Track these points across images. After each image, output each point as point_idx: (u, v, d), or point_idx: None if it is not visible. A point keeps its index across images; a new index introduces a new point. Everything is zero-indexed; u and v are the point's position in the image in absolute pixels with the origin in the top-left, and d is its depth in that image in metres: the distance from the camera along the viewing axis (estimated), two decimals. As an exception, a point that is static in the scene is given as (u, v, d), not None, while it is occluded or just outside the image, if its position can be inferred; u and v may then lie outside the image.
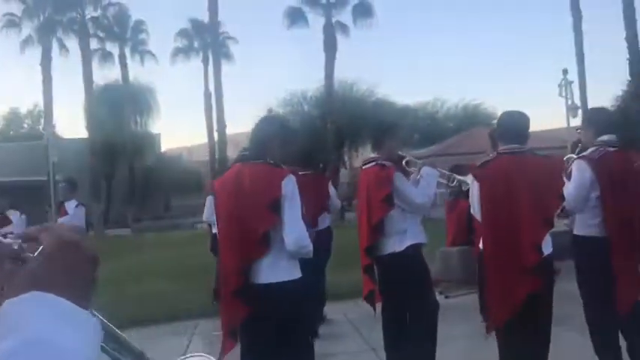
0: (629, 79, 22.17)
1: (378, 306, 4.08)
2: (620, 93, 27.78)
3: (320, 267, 6.34)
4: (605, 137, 3.78)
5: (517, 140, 3.57)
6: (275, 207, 2.86)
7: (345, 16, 30.95)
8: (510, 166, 3.47)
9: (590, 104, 29.84)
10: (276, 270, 2.91)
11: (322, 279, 6.40)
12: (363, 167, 4.15)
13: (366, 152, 36.65)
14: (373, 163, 4.02)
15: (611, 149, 3.74)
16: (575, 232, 3.87)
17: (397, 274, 3.93)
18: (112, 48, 34.32)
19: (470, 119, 42.63)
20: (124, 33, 34.61)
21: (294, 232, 2.86)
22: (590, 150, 3.75)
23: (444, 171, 4.35)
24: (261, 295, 2.90)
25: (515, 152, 3.52)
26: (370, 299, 4.06)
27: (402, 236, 3.93)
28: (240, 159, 3.11)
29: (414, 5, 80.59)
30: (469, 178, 5.96)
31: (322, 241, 6.27)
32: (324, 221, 6.29)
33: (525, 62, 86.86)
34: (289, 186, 2.90)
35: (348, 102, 34.06)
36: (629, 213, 3.74)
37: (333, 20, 30.33)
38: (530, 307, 3.36)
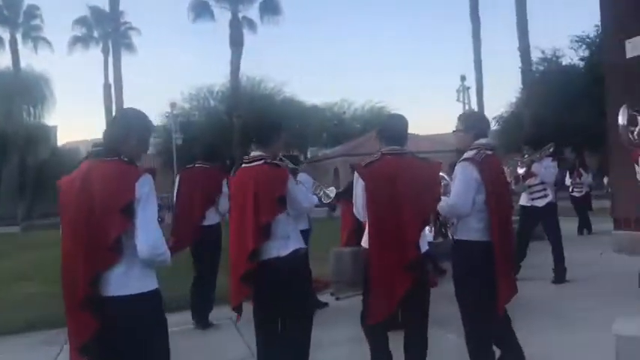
0: (522, 86, 23.42)
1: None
2: (513, 100, 29.54)
3: (213, 266, 6.09)
4: (483, 140, 3.82)
5: (398, 142, 3.71)
6: (128, 210, 2.58)
7: (252, 12, 30.65)
8: (393, 166, 3.60)
9: (487, 110, 31.57)
10: (127, 281, 2.63)
11: (213, 280, 6.13)
12: (246, 165, 3.89)
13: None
14: (262, 162, 3.81)
15: (489, 152, 3.78)
16: (458, 237, 3.80)
17: (282, 278, 3.75)
18: (2, 33, 32.05)
19: (376, 120, 43.56)
20: (16, 17, 32.36)
21: (149, 237, 2.58)
22: (472, 152, 3.73)
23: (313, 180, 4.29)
24: (109, 309, 2.62)
25: (397, 153, 3.67)
26: (240, 308, 3.84)
27: (287, 241, 3.78)
28: (91, 155, 2.78)
29: (322, 6, 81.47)
30: (332, 191, 5.96)
31: (212, 238, 6.07)
32: (213, 217, 6.04)
33: (429, 67, 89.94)
34: (145, 187, 2.62)
35: (255, 99, 33.77)
36: (506, 216, 3.84)
37: (240, 15, 29.92)
38: (407, 304, 3.56)
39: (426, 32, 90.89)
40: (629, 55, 8.73)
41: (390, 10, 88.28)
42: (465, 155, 3.75)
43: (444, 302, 4.06)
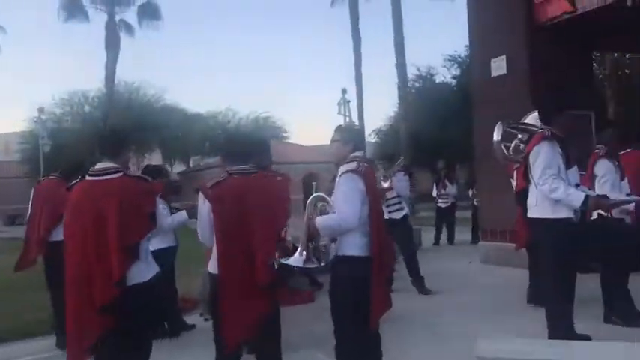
0: (398, 102, 24.30)
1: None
2: (392, 114, 30.69)
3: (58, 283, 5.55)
4: (358, 153, 3.73)
5: (244, 161, 3.67)
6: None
7: (129, 15, 29.28)
8: (240, 186, 3.54)
9: (367, 123, 32.48)
10: None
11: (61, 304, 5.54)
12: (94, 178, 3.46)
13: (155, 158, 35.15)
14: (119, 174, 3.41)
15: (367, 165, 3.72)
16: (341, 252, 3.59)
17: (144, 304, 3.38)
18: None
19: (260, 131, 43.65)
20: None
21: None
22: (353, 164, 3.61)
23: None
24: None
25: (244, 173, 3.62)
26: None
27: (148, 264, 3.49)
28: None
29: (205, 14, 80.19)
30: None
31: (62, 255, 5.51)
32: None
33: (313, 79, 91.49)
34: None
35: (133, 105, 32.33)
36: (383, 229, 3.80)
37: (117, 18, 28.46)
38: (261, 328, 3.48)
39: (311, 45, 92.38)
40: (493, 74, 9.19)
41: (277, 23, 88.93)
42: (347, 167, 3.60)
43: (318, 320, 3.88)
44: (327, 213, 3.56)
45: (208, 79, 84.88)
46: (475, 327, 5.21)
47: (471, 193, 13.13)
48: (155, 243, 4.60)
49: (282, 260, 3.41)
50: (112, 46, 28.22)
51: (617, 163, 5.16)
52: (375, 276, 3.53)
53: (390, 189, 7.15)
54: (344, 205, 3.47)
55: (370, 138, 32.12)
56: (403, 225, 7.38)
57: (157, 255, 3.91)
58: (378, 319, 3.62)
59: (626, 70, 23.09)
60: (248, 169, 3.63)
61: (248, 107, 75.08)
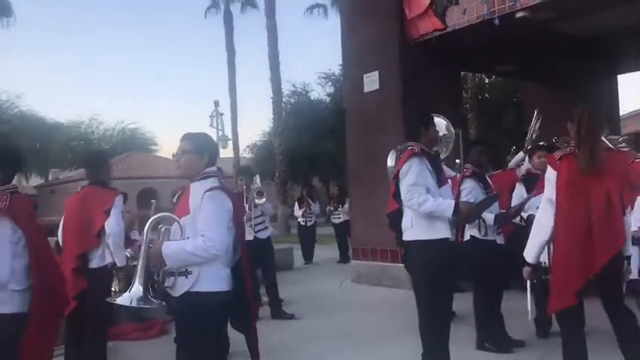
0: (273, 116, 23.93)
1: None
2: (267, 129, 30.30)
3: None
4: (214, 168, 3.17)
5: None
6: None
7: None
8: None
9: (241, 138, 31.81)
10: None
11: None
12: None
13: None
14: None
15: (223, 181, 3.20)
16: (197, 288, 2.92)
17: None
18: None
19: (127, 143, 41.50)
20: None
21: None
22: (213, 180, 3.06)
23: None
24: None
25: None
26: None
27: None
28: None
29: (67, 16, 75.41)
30: None
31: None
32: None
33: (185, 90, 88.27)
34: None
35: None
36: None
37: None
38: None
39: (184, 55, 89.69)
40: (366, 89, 9.02)
41: (149, 31, 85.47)
42: (208, 183, 3.02)
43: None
44: (171, 239, 2.92)
45: (71, 86, 79.25)
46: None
47: (327, 209, 13.14)
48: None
49: (109, 300, 2.71)
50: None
51: (482, 184, 5.00)
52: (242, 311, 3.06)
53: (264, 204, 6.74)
54: (213, 228, 2.86)
55: (245, 153, 31.49)
56: (268, 245, 6.90)
57: None
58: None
59: (487, 95, 24.56)
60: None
61: (115, 118, 71.67)
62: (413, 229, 3.90)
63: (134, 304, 2.78)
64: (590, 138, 3.21)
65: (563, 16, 7.72)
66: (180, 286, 2.90)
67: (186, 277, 2.88)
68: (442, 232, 3.87)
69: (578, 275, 3.14)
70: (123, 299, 2.77)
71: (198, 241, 2.84)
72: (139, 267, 2.84)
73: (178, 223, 2.94)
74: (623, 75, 12.85)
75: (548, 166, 3.37)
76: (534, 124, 6.90)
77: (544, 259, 3.94)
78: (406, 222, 3.96)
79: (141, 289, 2.78)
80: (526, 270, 3.49)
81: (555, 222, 3.23)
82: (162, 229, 2.99)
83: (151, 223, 2.95)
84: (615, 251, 3.13)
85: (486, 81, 24.08)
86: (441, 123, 4.68)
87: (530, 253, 3.42)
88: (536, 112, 6.98)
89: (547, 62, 9.88)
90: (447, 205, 3.82)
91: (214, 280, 2.91)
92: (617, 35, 9.10)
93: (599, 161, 3.17)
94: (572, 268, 3.14)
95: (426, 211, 3.80)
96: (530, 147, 6.42)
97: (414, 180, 3.82)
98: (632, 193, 3.52)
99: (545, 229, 3.31)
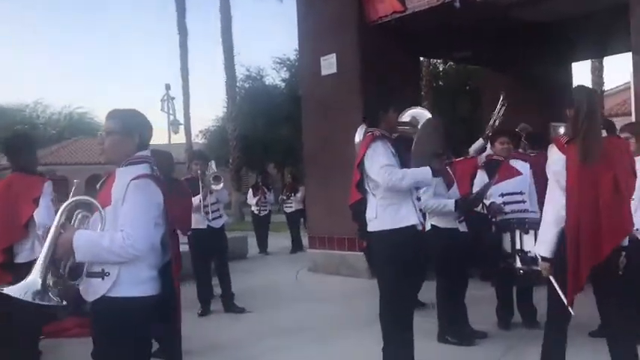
0: (227, 101, 23.37)
1: None
2: (221, 114, 29.59)
3: None
4: (146, 152, 2.66)
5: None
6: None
7: None
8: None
9: (193, 123, 30.86)
10: None
11: None
12: None
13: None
14: None
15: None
16: (120, 293, 2.46)
17: None
18: None
19: (74, 128, 40.08)
20: None
21: None
22: (143, 166, 2.57)
23: None
24: None
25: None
26: None
27: None
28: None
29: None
30: None
31: None
32: None
33: (133, 74, 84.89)
34: None
35: None
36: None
37: None
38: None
39: (132, 36, 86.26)
40: (324, 72, 8.72)
41: (93, 14, 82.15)
42: (137, 170, 2.53)
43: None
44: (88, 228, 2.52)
45: (15, 68, 75.63)
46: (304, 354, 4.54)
47: (280, 198, 12.80)
48: None
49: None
50: None
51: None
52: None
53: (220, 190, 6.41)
54: (135, 223, 2.40)
55: (197, 139, 30.68)
56: (221, 235, 6.56)
57: None
58: None
59: (440, 83, 24.60)
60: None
61: (61, 102, 68.95)
62: (378, 220, 3.64)
63: (27, 297, 2.28)
64: (589, 131, 3.06)
65: (527, 1, 7.60)
66: (94, 290, 2.44)
67: (103, 278, 2.42)
68: (407, 219, 3.64)
69: (588, 262, 3.01)
70: (14, 289, 2.28)
71: (116, 236, 2.39)
72: (42, 255, 2.36)
73: (100, 212, 2.46)
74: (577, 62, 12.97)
75: (554, 150, 3.18)
76: (499, 110, 6.73)
77: (529, 248, 4.06)
78: (370, 212, 3.70)
79: (39, 281, 2.30)
80: (543, 265, 3.22)
81: (567, 207, 3.06)
82: (80, 216, 2.54)
83: (67, 205, 2.47)
84: (623, 237, 3.07)
85: (440, 68, 24.11)
86: (422, 114, 4.42)
87: (544, 248, 3.20)
88: (501, 98, 6.79)
89: (506, 49, 9.79)
90: (424, 170, 3.63)
91: (136, 283, 2.46)
92: (573, 22, 9.06)
93: (597, 155, 3.03)
94: (584, 254, 3.01)
95: (408, 184, 3.60)
96: (490, 133, 6.27)
97: (385, 161, 3.58)
98: (633, 180, 3.37)
99: (557, 218, 3.11)
